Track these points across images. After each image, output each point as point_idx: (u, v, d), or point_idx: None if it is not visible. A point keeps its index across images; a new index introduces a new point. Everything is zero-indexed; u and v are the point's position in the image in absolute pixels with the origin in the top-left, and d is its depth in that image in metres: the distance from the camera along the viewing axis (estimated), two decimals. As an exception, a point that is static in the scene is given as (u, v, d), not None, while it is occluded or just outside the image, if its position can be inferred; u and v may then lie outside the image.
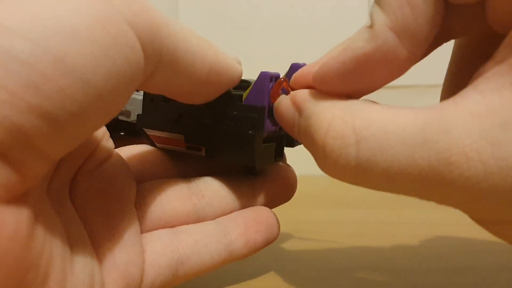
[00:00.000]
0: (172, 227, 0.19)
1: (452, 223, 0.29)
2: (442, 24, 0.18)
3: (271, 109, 0.19)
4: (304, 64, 0.20)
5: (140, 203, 0.19)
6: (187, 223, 0.20)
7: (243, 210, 0.21)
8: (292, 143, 0.22)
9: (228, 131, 0.19)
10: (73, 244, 0.15)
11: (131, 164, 0.20)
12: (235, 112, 0.19)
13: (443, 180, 0.13)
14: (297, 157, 0.52)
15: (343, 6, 0.47)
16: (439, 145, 0.13)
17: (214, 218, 0.20)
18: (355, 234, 0.28)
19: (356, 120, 0.14)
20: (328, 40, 0.53)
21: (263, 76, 0.19)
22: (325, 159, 0.14)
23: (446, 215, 0.31)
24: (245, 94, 0.19)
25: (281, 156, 0.22)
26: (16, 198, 0.12)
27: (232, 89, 0.20)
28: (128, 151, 0.21)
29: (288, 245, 0.26)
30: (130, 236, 0.17)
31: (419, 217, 0.31)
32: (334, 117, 0.14)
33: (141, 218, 0.19)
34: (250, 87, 0.19)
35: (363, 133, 0.13)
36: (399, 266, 0.23)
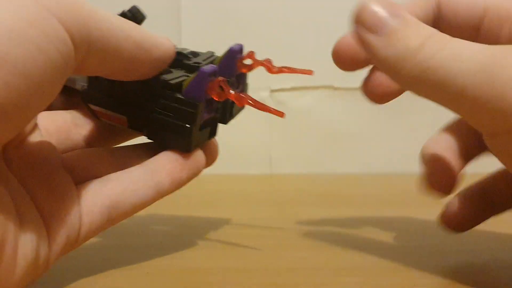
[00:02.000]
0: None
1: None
2: None
3: (208, 101, 0.21)
4: (240, 46, 0.22)
5: (67, 166, 0.21)
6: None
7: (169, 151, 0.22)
8: (225, 121, 0.24)
9: (167, 121, 0.21)
10: (18, 206, 0.17)
11: (57, 138, 0.22)
12: (175, 104, 0.21)
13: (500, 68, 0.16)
14: (301, 157, 0.53)
15: (344, 8, 0.47)
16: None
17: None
18: (357, 232, 0.28)
19: (452, 39, 0.18)
20: (330, 39, 0.53)
21: (202, 72, 0.20)
22: (423, 55, 0.17)
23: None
24: (185, 83, 0.21)
25: (214, 134, 0.24)
26: None
27: (171, 76, 0.21)
28: (51, 124, 0.23)
29: (287, 243, 0.26)
30: (65, 190, 0.19)
31: (420, 215, 0.31)
32: (433, 33, 0.18)
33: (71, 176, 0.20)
34: (190, 79, 0.21)
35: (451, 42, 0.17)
36: (399, 264, 0.23)
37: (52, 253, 0.18)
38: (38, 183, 0.19)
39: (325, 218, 0.31)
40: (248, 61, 0.23)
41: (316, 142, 0.50)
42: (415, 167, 0.50)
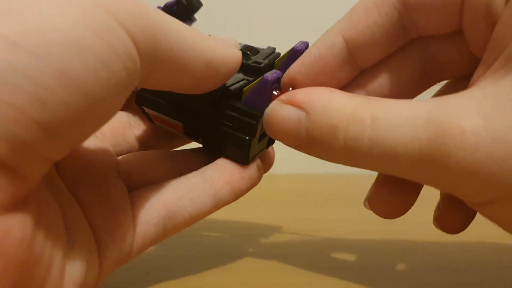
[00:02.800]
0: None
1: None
2: (433, 64, 0.19)
3: None
4: (306, 45, 0.20)
5: (123, 171, 0.19)
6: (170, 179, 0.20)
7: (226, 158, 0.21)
8: None
9: (226, 132, 0.20)
10: (68, 220, 0.16)
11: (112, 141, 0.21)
12: (234, 114, 0.19)
13: (440, 154, 0.14)
14: (301, 157, 0.52)
15: (345, 8, 0.47)
16: (439, 121, 0.14)
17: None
18: (357, 232, 0.28)
19: (373, 106, 0.15)
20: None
21: (265, 81, 0.18)
22: (344, 143, 0.15)
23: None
24: (245, 90, 0.19)
25: (273, 142, 0.22)
26: (21, 203, 0.13)
27: (230, 80, 0.19)
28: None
29: (289, 243, 0.26)
30: (118, 200, 0.18)
31: (420, 215, 0.31)
32: (356, 106, 0.16)
33: (125, 182, 0.19)
34: (251, 86, 0.19)
35: (378, 114, 0.15)
36: (401, 264, 0.23)
37: (102, 272, 0.17)
38: (90, 192, 0.17)
39: (325, 218, 0.31)
40: None
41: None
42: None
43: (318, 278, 0.21)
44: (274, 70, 0.19)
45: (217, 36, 0.19)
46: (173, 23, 0.15)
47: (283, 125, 0.17)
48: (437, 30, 0.18)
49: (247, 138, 0.19)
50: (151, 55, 0.14)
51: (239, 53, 0.18)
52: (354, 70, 0.19)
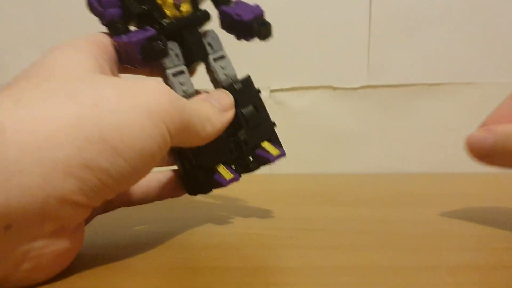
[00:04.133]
0: None
1: (453, 221, 0.29)
2: None
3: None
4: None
5: None
6: None
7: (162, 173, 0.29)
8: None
9: (186, 175, 0.28)
10: None
11: None
12: (195, 175, 0.27)
13: None
14: (300, 157, 0.53)
15: (344, 8, 0.47)
16: None
17: None
18: (356, 232, 0.28)
19: None
20: (330, 39, 0.53)
21: (220, 183, 0.27)
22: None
23: (447, 214, 0.31)
24: (216, 170, 0.27)
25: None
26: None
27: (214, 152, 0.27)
28: None
29: (287, 243, 0.26)
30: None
31: (418, 215, 0.31)
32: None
33: None
34: (221, 171, 0.27)
35: None
36: (400, 264, 0.23)
37: None
38: None
39: (325, 218, 0.31)
40: None
41: (315, 142, 0.50)
42: (414, 167, 0.49)
43: (317, 278, 0.21)
44: (234, 177, 0.27)
45: (222, 93, 0.26)
46: (193, 110, 0.23)
47: (474, 139, 0.25)
48: None
49: (195, 192, 0.28)
50: (176, 137, 0.21)
51: (229, 117, 0.25)
52: None
